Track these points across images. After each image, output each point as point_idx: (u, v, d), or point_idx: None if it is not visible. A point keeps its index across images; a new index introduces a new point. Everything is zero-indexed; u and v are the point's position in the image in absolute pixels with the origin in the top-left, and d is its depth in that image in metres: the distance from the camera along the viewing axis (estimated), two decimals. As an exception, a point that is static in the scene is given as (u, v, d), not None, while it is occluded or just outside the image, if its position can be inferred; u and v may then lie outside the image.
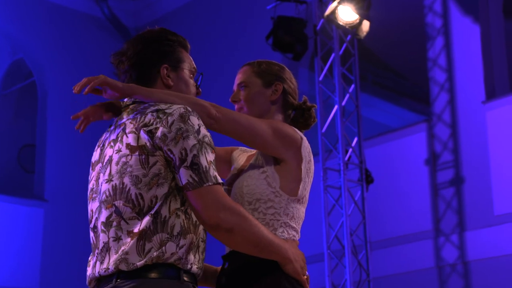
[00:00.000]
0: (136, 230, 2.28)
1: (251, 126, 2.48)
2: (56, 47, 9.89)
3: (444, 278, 7.53)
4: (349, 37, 7.50)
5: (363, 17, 7.18)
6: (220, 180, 2.30)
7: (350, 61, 7.49)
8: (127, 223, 2.31)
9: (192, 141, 2.28)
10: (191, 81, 2.55)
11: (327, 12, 7.18)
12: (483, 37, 7.66)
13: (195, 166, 2.27)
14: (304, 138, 2.62)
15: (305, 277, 2.50)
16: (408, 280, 7.71)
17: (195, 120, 2.32)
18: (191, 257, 2.30)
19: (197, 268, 2.33)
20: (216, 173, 2.30)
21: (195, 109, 2.37)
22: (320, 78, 7.42)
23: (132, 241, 2.28)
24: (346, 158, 7.18)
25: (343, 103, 7.34)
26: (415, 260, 7.69)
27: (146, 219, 2.28)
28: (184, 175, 2.27)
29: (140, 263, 2.26)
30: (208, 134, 2.35)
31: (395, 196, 7.92)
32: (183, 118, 2.31)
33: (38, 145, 9.63)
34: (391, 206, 7.92)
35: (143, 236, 2.27)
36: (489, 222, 7.29)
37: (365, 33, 7.27)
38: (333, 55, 7.42)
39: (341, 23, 7.20)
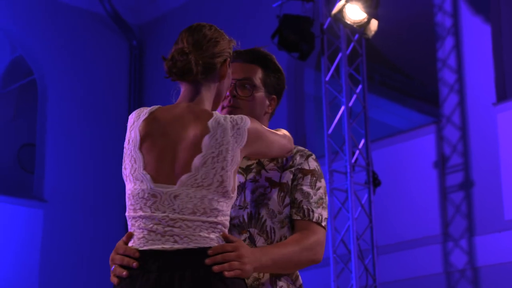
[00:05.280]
0: None
1: None
2: (57, 44, 9.82)
3: (453, 284, 7.46)
4: (356, 36, 7.42)
5: (371, 16, 7.11)
6: None
7: (358, 61, 7.42)
8: None
9: None
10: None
11: (335, 10, 7.11)
12: (494, 38, 7.59)
13: None
14: (135, 114, 2.45)
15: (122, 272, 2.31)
16: (415, 286, 7.65)
17: None
18: None
19: None
20: None
21: None
22: (327, 78, 7.35)
23: None
24: (353, 160, 7.12)
25: (350, 104, 7.28)
26: (423, 265, 7.62)
27: None
28: None
29: None
30: None
31: (403, 200, 7.85)
32: None
33: (38, 144, 9.57)
34: (399, 210, 7.85)
35: None
36: (499, 227, 7.22)
37: (373, 33, 7.21)
38: (340, 54, 7.34)
39: (348, 22, 7.14)
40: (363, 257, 7.01)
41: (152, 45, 10.38)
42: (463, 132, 7.64)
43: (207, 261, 2.27)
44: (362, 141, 7.27)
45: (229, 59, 2.52)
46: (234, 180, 2.38)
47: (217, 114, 2.41)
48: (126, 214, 2.40)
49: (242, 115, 2.44)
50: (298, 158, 2.64)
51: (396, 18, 8.82)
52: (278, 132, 2.61)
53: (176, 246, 2.29)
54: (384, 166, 7.76)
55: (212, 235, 2.32)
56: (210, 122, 2.37)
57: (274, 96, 2.74)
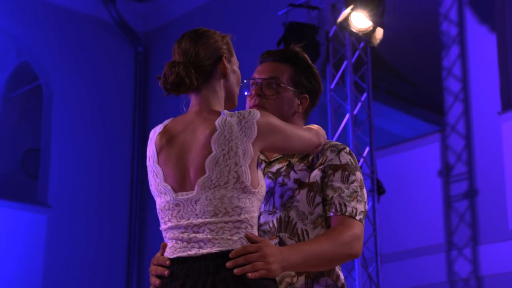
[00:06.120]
0: None
1: None
2: (62, 50, 9.83)
3: (456, 293, 7.43)
4: (362, 44, 7.42)
5: (376, 24, 7.11)
6: None
7: (363, 69, 7.42)
8: None
9: None
10: None
11: (340, 18, 7.11)
12: (500, 47, 7.57)
13: None
14: (152, 131, 2.48)
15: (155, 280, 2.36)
16: (419, 295, 7.61)
17: None
18: None
19: None
20: None
21: None
22: (332, 86, 7.34)
23: None
24: (358, 168, 7.08)
25: (355, 112, 7.27)
26: (427, 274, 7.60)
27: None
28: None
29: None
30: None
31: (407, 208, 7.83)
32: None
33: (43, 149, 9.56)
34: (403, 218, 7.82)
35: None
36: (503, 236, 7.19)
37: (378, 41, 7.20)
38: (345, 62, 7.34)
39: (354, 30, 7.13)
40: (366, 265, 6.99)
41: (157, 51, 10.40)
42: (468, 141, 7.62)
43: (228, 264, 2.26)
44: (367, 149, 7.26)
45: (226, 54, 2.48)
46: (254, 174, 2.35)
47: (225, 112, 2.39)
48: (160, 228, 2.42)
49: (251, 109, 2.40)
50: (328, 154, 2.56)
51: (402, 27, 8.81)
52: (304, 127, 2.57)
53: (201, 251, 2.30)
54: (389, 175, 7.74)
55: (235, 237, 2.30)
56: (217, 121, 2.36)
57: (306, 95, 2.67)
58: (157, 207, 2.43)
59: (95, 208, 9.60)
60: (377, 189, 7.15)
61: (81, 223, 9.47)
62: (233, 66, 2.52)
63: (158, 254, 2.40)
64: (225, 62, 2.47)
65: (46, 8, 9.77)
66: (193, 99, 2.47)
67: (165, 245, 2.39)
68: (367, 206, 2.58)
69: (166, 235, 2.39)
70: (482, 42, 7.67)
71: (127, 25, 10.12)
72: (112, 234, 9.69)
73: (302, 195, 2.52)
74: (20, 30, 9.68)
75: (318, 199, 2.52)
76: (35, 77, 10.13)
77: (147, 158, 2.46)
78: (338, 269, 2.55)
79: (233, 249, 2.28)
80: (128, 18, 10.18)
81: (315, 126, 2.60)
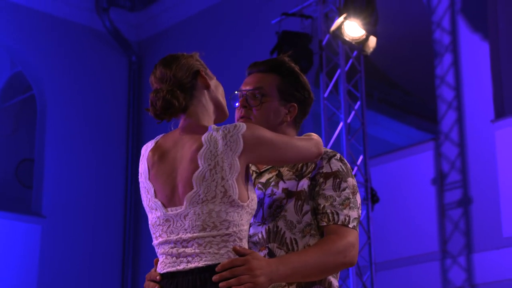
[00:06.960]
0: None
1: None
2: (56, 60, 9.83)
3: (451, 301, 7.43)
4: (355, 53, 7.43)
5: (369, 33, 7.12)
6: None
7: (356, 77, 7.43)
8: None
9: None
10: None
11: (333, 27, 7.12)
12: (492, 55, 7.59)
13: None
14: (144, 147, 2.51)
15: None
16: (413, 303, 7.60)
17: None
18: None
19: None
20: None
21: None
22: (325, 95, 7.35)
23: None
24: (351, 176, 7.07)
25: (349, 120, 7.28)
26: (421, 282, 7.60)
27: None
28: None
29: None
30: None
31: (401, 216, 7.84)
32: None
33: (37, 159, 9.55)
34: (397, 227, 7.83)
35: None
36: (497, 244, 7.20)
37: (371, 49, 7.21)
38: (338, 71, 7.35)
39: (347, 39, 7.14)
40: (361, 273, 6.99)
41: (151, 60, 10.40)
42: (461, 149, 7.64)
43: (214, 278, 2.27)
44: (361, 158, 7.26)
45: (201, 68, 2.51)
46: (242, 188, 2.36)
47: (212, 127, 2.40)
48: (152, 243, 2.45)
49: (237, 123, 2.41)
50: (318, 162, 2.54)
51: (395, 35, 8.84)
52: (302, 137, 2.56)
53: (189, 266, 2.32)
54: (383, 183, 7.75)
55: (223, 250, 2.32)
56: (204, 137, 2.39)
57: (294, 104, 2.65)
58: (149, 222, 2.45)
59: (89, 218, 9.59)
60: (371, 198, 7.15)
61: (76, 233, 9.45)
62: (212, 78, 2.55)
63: (152, 269, 2.43)
64: (203, 74, 2.51)
65: (39, 18, 9.77)
66: (183, 118, 2.49)
67: (157, 261, 2.43)
68: (360, 212, 2.56)
69: (158, 250, 2.42)
70: (475, 50, 7.69)
71: (120, 35, 10.14)
72: (106, 244, 9.67)
73: (290, 204, 2.51)
74: (13, 40, 9.68)
75: (306, 207, 2.51)
76: (29, 87, 10.13)
77: (139, 174, 2.49)
78: (331, 276, 2.53)
79: (219, 263, 2.29)
80: (121, 28, 10.19)
81: (314, 136, 2.58)
